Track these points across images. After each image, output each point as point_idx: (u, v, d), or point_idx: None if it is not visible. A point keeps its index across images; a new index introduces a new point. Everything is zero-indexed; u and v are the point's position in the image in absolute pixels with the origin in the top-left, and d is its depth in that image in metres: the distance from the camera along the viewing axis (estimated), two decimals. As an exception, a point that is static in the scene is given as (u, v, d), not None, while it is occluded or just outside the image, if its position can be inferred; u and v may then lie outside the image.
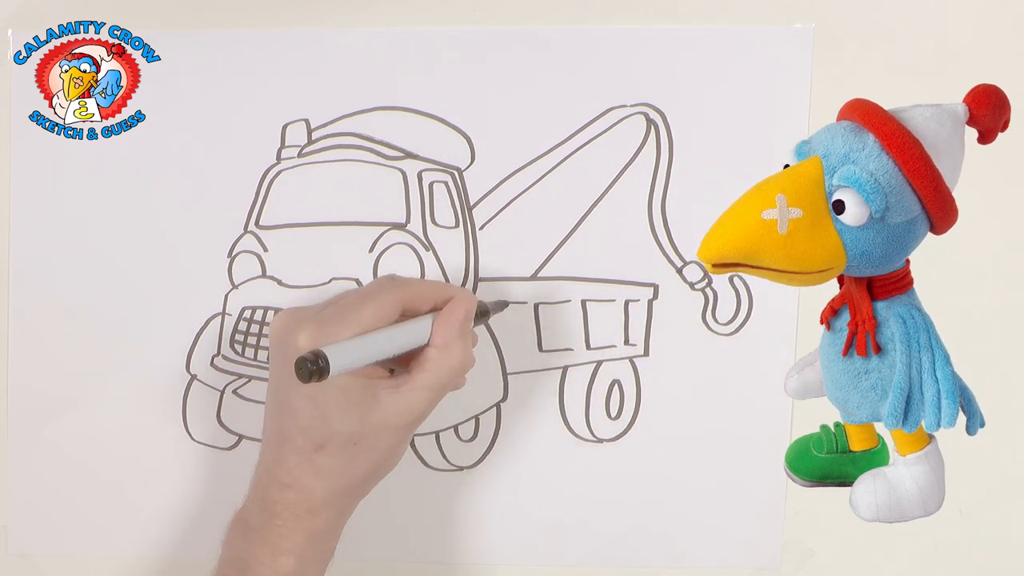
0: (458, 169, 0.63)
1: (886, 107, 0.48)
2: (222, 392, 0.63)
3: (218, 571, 0.52)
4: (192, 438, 0.63)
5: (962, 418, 0.54)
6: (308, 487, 0.51)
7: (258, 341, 0.63)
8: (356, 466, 0.51)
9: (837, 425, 0.58)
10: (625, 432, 0.63)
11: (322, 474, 0.51)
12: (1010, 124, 0.50)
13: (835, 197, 0.46)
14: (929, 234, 0.49)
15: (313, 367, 0.47)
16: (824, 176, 0.46)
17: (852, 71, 0.61)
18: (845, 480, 0.56)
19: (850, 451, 0.57)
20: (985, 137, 0.50)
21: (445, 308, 0.54)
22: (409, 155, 0.63)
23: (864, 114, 0.47)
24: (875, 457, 0.57)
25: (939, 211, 0.47)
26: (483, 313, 0.58)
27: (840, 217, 0.46)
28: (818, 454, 0.58)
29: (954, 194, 0.48)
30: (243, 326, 0.63)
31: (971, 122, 0.49)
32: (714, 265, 0.47)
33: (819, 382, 0.54)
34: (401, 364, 0.54)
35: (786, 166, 0.48)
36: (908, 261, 0.50)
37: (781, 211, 0.45)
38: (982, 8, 0.61)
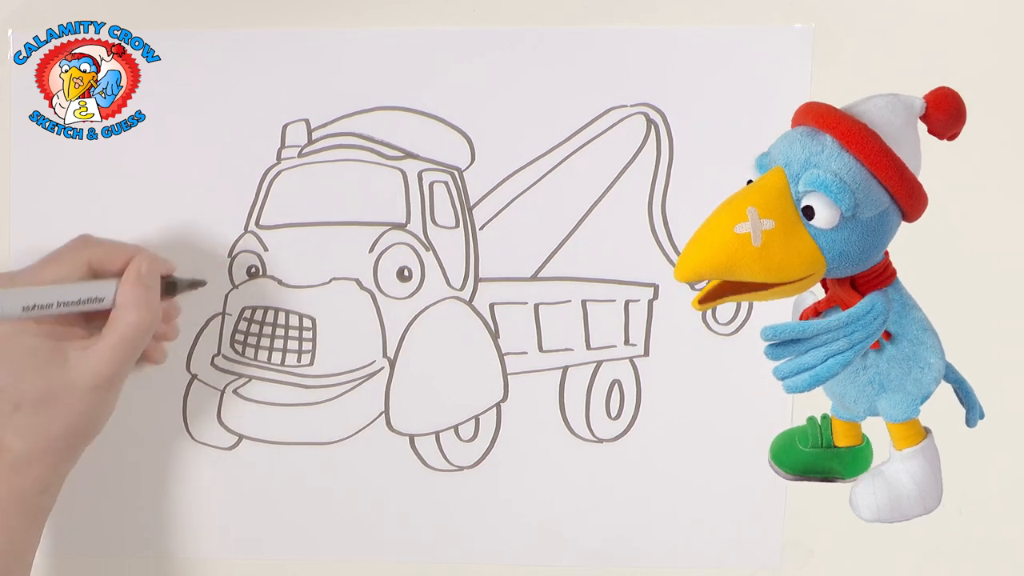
0: (458, 169, 0.63)
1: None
2: (222, 392, 0.63)
3: None
4: (192, 438, 0.63)
5: (962, 411, 0.54)
6: (9, 446, 0.53)
7: (258, 341, 0.63)
8: (54, 426, 0.53)
9: (824, 417, 0.58)
10: (625, 432, 0.63)
11: (21, 433, 0.53)
12: (959, 136, 0.49)
13: (804, 203, 0.46)
14: (904, 224, 0.49)
15: None
16: (789, 184, 0.46)
17: (852, 71, 0.61)
18: (828, 475, 0.56)
19: (834, 446, 0.57)
20: (935, 134, 0.49)
21: (126, 269, 0.56)
22: (409, 155, 0.63)
23: (818, 116, 0.47)
24: (859, 454, 0.57)
25: (908, 199, 0.47)
26: (171, 285, 0.58)
27: (812, 222, 0.46)
28: (802, 448, 0.58)
29: (920, 179, 0.48)
30: (243, 326, 0.63)
31: (924, 119, 0.48)
32: (700, 301, 0.47)
33: None
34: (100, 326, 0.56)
35: (749, 181, 0.48)
36: (887, 254, 0.50)
37: (753, 223, 0.45)
38: (982, 8, 0.61)
